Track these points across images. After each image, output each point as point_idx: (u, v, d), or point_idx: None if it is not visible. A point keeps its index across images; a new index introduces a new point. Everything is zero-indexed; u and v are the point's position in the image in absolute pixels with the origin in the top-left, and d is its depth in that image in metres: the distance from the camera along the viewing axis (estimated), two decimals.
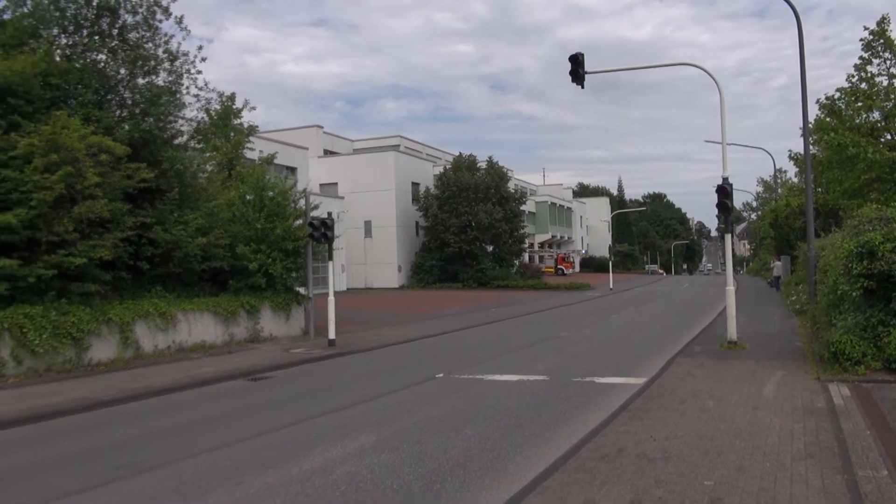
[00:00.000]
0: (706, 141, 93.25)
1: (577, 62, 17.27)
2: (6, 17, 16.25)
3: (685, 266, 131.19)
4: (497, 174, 48.12)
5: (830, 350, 11.60)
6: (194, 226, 16.69)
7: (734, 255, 22.66)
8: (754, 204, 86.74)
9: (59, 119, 13.73)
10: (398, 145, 57.11)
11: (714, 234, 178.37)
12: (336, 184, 46.40)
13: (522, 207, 51.43)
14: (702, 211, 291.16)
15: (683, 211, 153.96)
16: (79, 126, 13.89)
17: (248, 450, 7.77)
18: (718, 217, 16.79)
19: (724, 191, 15.14)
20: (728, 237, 16.33)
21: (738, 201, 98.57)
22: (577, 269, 77.99)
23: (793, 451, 6.98)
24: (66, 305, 13.65)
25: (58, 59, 15.75)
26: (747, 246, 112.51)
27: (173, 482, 6.63)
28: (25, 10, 15.78)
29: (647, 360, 13.92)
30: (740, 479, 6.13)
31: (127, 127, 15.97)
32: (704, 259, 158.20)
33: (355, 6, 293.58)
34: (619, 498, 5.74)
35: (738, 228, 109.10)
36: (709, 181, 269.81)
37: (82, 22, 16.10)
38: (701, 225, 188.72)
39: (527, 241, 57.03)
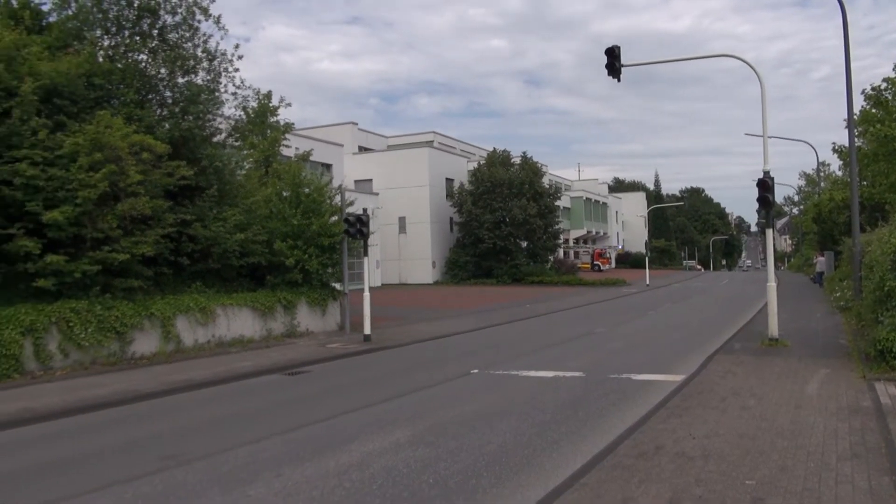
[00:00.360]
0: (746, 134, 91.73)
1: (613, 55, 17.05)
2: (52, 19, 16.72)
3: (724, 262, 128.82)
4: (531, 169, 47.87)
5: (877, 348, 11.27)
6: (233, 222, 16.97)
7: (775, 250, 22.16)
8: (796, 198, 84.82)
9: (103, 118, 14.07)
10: (432, 141, 57.22)
11: (754, 229, 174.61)
12: (371, 180, 46.69)
13: (557, 203, 51.09)
14: (741, 205, 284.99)
15: (722, 206, 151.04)
16: (121, 125, 14.23)
17: (285, 443, 7.88)
18: (759, 212, 16.43)
19: (766, 185, 14.81)
20: (769, 232, 15.98)
21: (779, 195, 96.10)
22: (613, 265, 77.15)
23: (838, 452, 6.81)
24: (110, 300, 14.01)
25: (101, 59, 16.14)
26: (788, 241, 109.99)
27: (214, 474, 6.75)
28: (70, 13, 16.21)
29: (685, 357, 13.71)
30: (783, 479, 6.00)
31: (167, 125, 16.31)
32: (744, 255, 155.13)
33: (390, 3, 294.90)
34: (657, 496, 5.67)
35: (779, 223, 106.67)
36: (748, 175, 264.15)
37: (124, 23, 16.47)
38: (740, 220, 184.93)
39: (561, 236, 56.65)
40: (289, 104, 24.23)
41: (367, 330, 17.65)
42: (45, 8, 16.98)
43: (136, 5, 16.30)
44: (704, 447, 7.06)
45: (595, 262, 68.76)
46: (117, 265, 13.89)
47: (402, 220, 47.21)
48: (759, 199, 15.06)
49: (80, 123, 14.20)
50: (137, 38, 16.65)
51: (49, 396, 10.69)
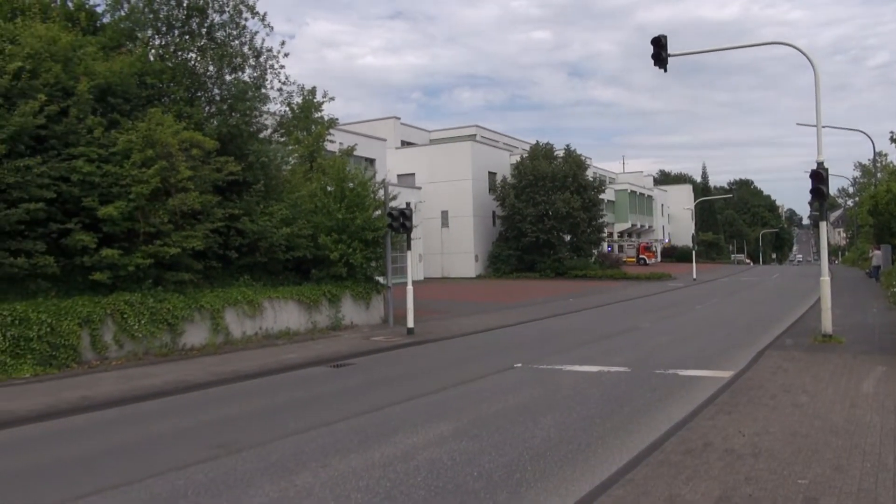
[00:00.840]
0: (798, 124, 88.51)
1: (659, 45, 16.73)
2: (106, 20, 17.24)
3: (774, 255, 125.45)
4: (575, 162, 47.36)
5: None
6: (279, 217, 17.27)
7: (828, 243, 21.48)
8: (851, 190, 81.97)
9: (154, 116, 14.47)
10: (474, 135, 57.08)
11: (806, 222, 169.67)
12: (413, 174, 46.86)
13: (601, 196, 50.45)
14: (792, 198, 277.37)
15: (772, 198, 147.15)
16: (172, 122, 14.60)
17: (331, 434, 8.00)
18: (812, 204, 16.00)
19: (819, 176, 14.38)
20: (823, 225, 15.50)
21: (833, 187, 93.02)
22: (659, 258, 75.88)
23: None
24: (161, 293, 14.42)
25: (152, 59, 16.58)
26: (843, 234, 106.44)
27: (262, 463, 6.91)
28: (123, 14, 16.69)
29: (733, 353, 13.43)
30: (837, 479, 5.84)
31: (215, 122, 16.69)
32: (795, 248, 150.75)
33: None
34: (706, 494, 5.57)
35: (833, 216, 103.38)
36: (800, 166, 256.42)
37: (174, 23, 16.88)
38: (791, 212, 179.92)
39: (605, 230, 55.93)
40: (332, 99, 24.49)
41: (411, 323, 17.76)
42: (99, 9, 17.53)
43: (185, 5, 16.69)
44: (754, 445, 6.91)
45: (641, 256, 67.72)
46: (168, 259, 14.29)
47: (444, 214, 47.28)
48: (812, 191, 14.63)
49: (132, 121, 14.63)
50: (187, 37, 17.04)
51: (105, 385, 11.08)
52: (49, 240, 13.06)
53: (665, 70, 17.05)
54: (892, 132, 28.48)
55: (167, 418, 9.31)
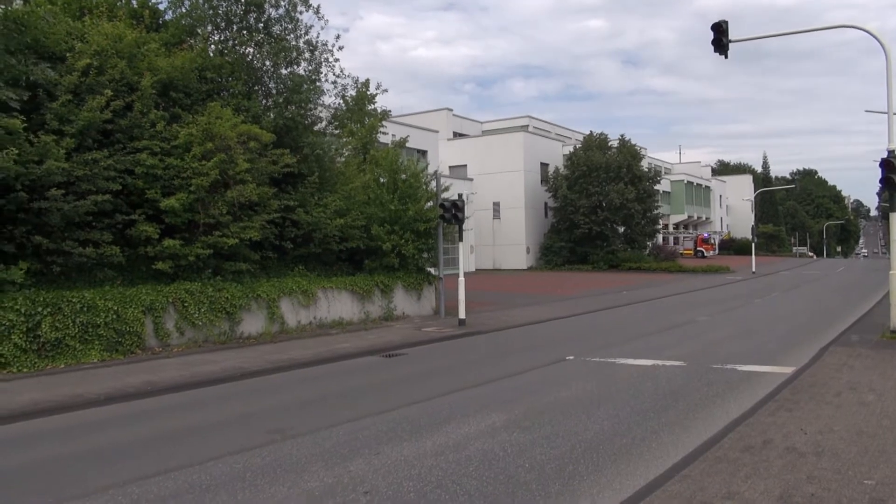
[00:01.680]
0: (867, 111, 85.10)
1: (720, 31, 16.24)
2: (168, 17, 17.76)
3: (839, 249, 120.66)
4: (629, 153, 46.49)
5: None
6: (332, 208, 17.51)
7: None
8: None
9: (214, 110, 14.84)
10: (527, 126, 56.62)
11: (874, 213, 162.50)
12: (465, 165, 46.81)
13: (656, 187, 49.39)
14: (859, 188, 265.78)
15: (838, 188, 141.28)
16: (230, 116, 14.95)
17: (384, 422, 8.09)
18: (881, 194, 15.30)
19: (890, 164, 13.74)
20: (893, 216, 14.81)
21: None
22: (716, 251, 73.92)
23: None
24: (220, 282, 14.83)
25: (212, 54, 17.00)
26: None
27: (317, 449, 7.04)
28: (184, 10, 17.14)
29: (795, 349, 13.00)
30: None
31: (272, 115, 17.01)
32: (862, 241, 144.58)
33: None
34: (765, 492, 5.42)
35: None
36: (868, 155, 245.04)
37: (232, 18, 17.26)
38: (858, 203, 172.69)
39: (661, 221, 54.77)
40: (385, 90, 24.78)
41: (462, 314, 17.79)
42: (161, 7, 18.08)
43: (243, 1, 17.03)
44: (817, 443, 6.68)
45: (699, 249, 66.09)
46: (227, 249, 14.67)
47: (496, 206, 47.11)
48: (882, 181, 13.99)
49: (193, 115, 15.05)
50: (244, 32, 17.40)
51: (168, 371, 11.48)
52: (115, 230, 13.57)
53: (726, 56, 16.54)
54: None
55: (226, 404, 9.59)
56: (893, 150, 13.85)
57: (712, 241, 70.89)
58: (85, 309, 12.25)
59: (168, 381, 10.74)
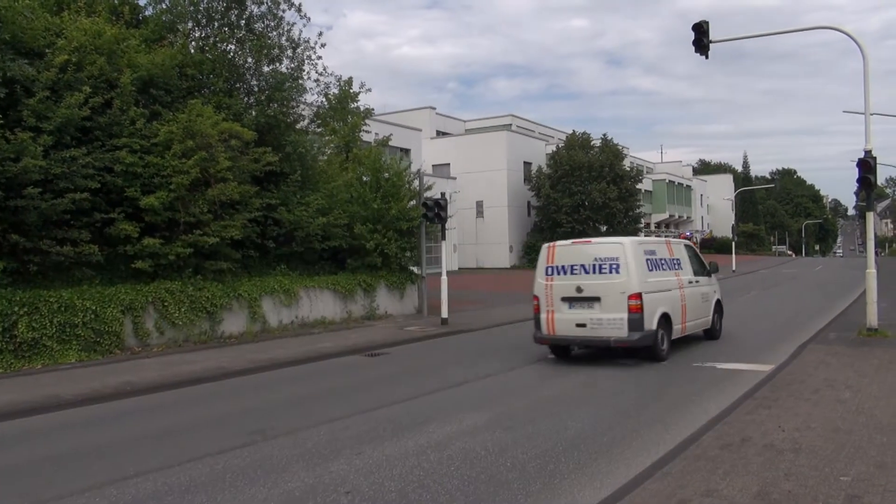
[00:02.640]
0: (845, 112, 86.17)
1: (701, 31, 16.36)
2: (148, 13, 17.57)
3: (817, 247, 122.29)
4: (612, 152, 46.78)
5: None
6: (315, 206, 17.44)
7: (875, 235, 20.84)
8: None
9: (194, 107, 14.71)
10: (510, 125, 56.72)
11: (851, 212, 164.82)
12: (448, 164, 46.84)
13: (638, 186, 49.75)
14: (837, 188, 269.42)
15: (817, 188, 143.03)
16: (211, 113, 14.83)
17: (366, 422, 8.07)
18: (858, 194, 15.55)
19: (867, 165, 13.93)
20: (870, 216, 15.04)
21: (880, 176, 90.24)
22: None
23: None
24: (201, 281, 14.71)
25: (193, 51, 16.86)
26: (890, 225, 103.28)
27: (298, 449, 7.01)
28: (164, 7, 16.98)
29: (774, 346, 13.14)
30: (881, 477, 5.67)
31: (254, 113, 16.90)
32: (840, 240, 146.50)
33: None
34: (743, 489, 5.47)
35: (880, 206, 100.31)
36: (846, 155, 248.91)
37: (213, 15, 17.12)
38: (836, 203, 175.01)
39: (643, 220, 55.18)
40: (369, 90, 24.59)
41: (445, 313, 17.80)
42: (141, 3, 17.88)
43: None
44: (795, 440, 6.76)
45: None
46: (208, 248, 14.56)
47: (479, 204, 47.18)
48: (859, 181, 14.19)
49: (173, 112, 14.90)
50: (226, 28, 17.27)
51: (147, 371, 11.36)
52: (93, 229, 13.41)
53: (707, 57, 16.66)
54: None
55: (206, 404, 9.52)
56: (870, 151, 14.05)
57: (695, 240, 71.59)
58: (62, 309, 12.09)
59: (147, 381, 10.64)
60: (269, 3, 17.57)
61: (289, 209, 16.99)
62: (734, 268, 45.37)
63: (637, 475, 5.99)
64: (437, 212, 18.03)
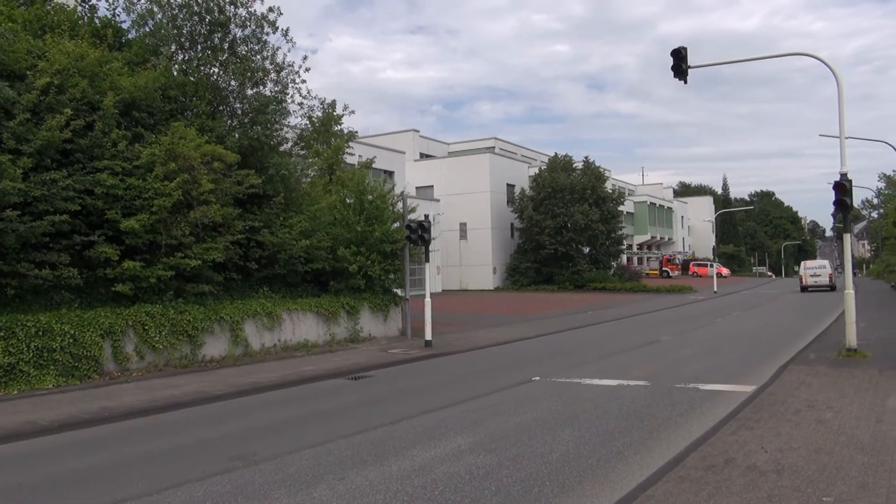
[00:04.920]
0: (821, 135, 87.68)
1: (679, 57, 16.67)
2: (131, 36, 17.56)
3: (796, 268, 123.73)
4: (594, 174, 47.22)
5: None
6: (298, 229, 17.39)
7: (853, 256, 21.14)
8: (875, 201, 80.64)
9: (177, 130, 14.68)
10: (493, 147, 57.19)
11: (829, 233, 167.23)
12: (432, 186, 47.00)
13: (620, 208, 50.20)
14: (815, 209, 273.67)
15: (795, 209, 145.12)
16: (194, 136, 14.80)
17: (349, 446, 7.99)
18: (835, 215, 15.80)
19: (843, 187, 14.19)
20: (846, 237, 15.27)
21: (856, 198, 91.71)
22: (680, 271, 75.32)
23: None
24: (182, 304, 14.56)
25: (176, 73, 16.85)
26: (867, 246, 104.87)
27: (280, 475, 6.92)
28: (148, 30, 16.98)
29: (756, 367, 13.24)
30: (863, 498, 5.71)
31: (237, 135, 16.89)
32: (804, 263, 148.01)
33: (453, 12, 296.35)
34: None
35: (857, 228, 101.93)
36: (823, 178, 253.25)
37: (197, 38, 17.15)
38: (814, 224, 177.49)
39: (625, 242, 55.62)
40: (352, 112, 24.80)
41: (429, 336, 17.75)
42: (125, 26, 17.86)
43: (207, 21, 16.96)
44: (777, 461, 6.79)
45: (664, 269, 67.32)
46: (189, 271, 14.43)
47: (462, 227, 47.31)
48: (835, 203, 14.43)
49: (156, 135, 14.85)
50: (209, 52, 17.30)
51: (126, 396, 11.18)
52: (73, 252, 13.26)
53: (685, 82, 16.96)
54: None
55: (187, 430, 9.37)
56: (846, 174, 14.32)
57: (677, 262, 72.27)
58: (40, 333, 11.91)
59: (126, 406, 10.47)
60: (254, 27, 17.64)
61: (272, 231, 16.93)
62: (716, 289, 45.75)
63: (621, 498, 5.99)
64: (420, 234, 18.05)
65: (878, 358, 13.66)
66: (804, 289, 44.18)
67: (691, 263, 68.64)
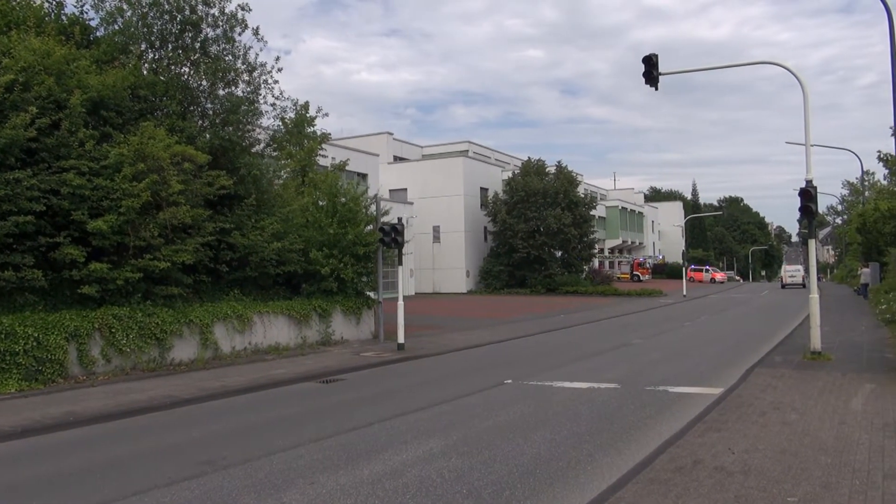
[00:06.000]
0: (787, 143, 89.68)
1: (650, 63, 16.91)
2: (100, 34, 17.25)
3: (763, 272, 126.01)
4: (566, 179, 47.62)
5: None
6: (270, 231, 17.22)
7: (817, 261, 21.62)
8: (839, 208, 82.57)
9: (146, 130, 14.44)
10: (467, 151, 57.34)
11: (795, 239, 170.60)
12: (405, 189, 46.96)
13: (592, 212, 50.69)
14: (782, 215, 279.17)
15: (762, 215, 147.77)
16: (164, 136, 14.58)
17: (320, 450, 7.94)
18: (801, 221, 16.13)
19: (808, 194, 14.50)
20: (811, 243, 15.61)
21: (821, 205, 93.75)
22: (651, 275, 76.27)
23: (884, 469, 6.59)
24: (150, 307, 14.33)
25: (145, 72, 16.58)
26: (831, 252, 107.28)
27: (250, 480, 6.84)
28: (117, 28, 16.70)
29: (723, 370, 13.46)
30: (827, 497, 5.84)
31: (208, 136, 16.67)
32: (784, 265, 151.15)
33: (428, 16, 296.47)
34: None
35: (822, 233, 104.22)
36: (789, 184, 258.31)
37: (167, 37, 16.90)
38: (781, 230, 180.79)
39: (596, 246, 56.17)
40: (326, 115, 24.55)
41: (401, 339, 17.71)
42: (93, 23, 17.53)
43: (178, 19, 16.73)
44: (744, 462, 6.91)
45: (635, 273, 68.12)
46: (158, 273, 14.20)
47: (436, 230, 47.34)
48: (801, 209, 14.75)
49: (124, 135, 14.59)
50: (180, 51, 17.06)
51: (92, 401, 10.96)
52: (37, 253, 12.96)
53: (656, 88, 17.23)
54: (879, 151, 28.78)
55: (154, 434, 9.22)
56: (811, 181, 14.64)
57: (648, 266, 73.13)
58: (2, 336, 11.62)
59: (92, 411, 10.26)
60: (225, 27, 17.44)
61: (243, 233, 16.74)
62: (685, 293, 46.39)
63: (591, 500, 6.04)
64: (393, 237, 18.02)
65: (841, 361, 13.98)
66: (784, 286, 59.05)
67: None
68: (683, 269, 52.03)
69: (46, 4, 17.22)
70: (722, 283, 72.76)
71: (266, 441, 8.53)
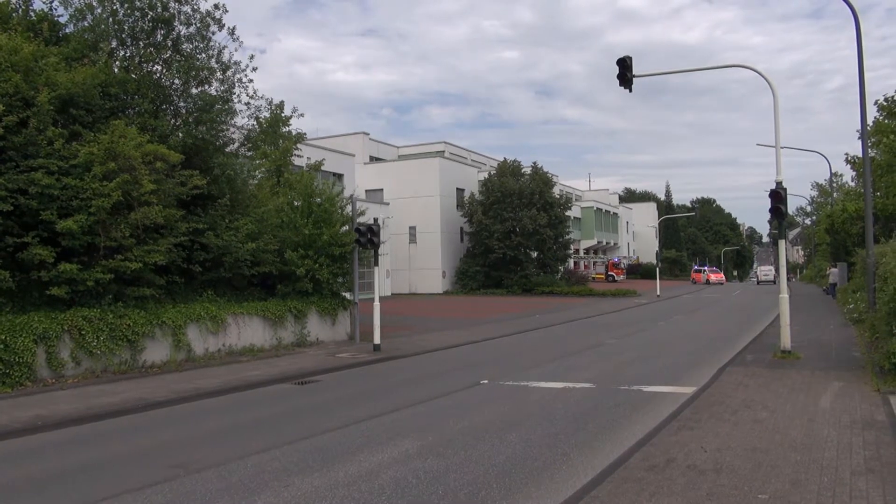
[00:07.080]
0: (758, 144, 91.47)
1: (624, 66, 17.07)
2: (69, 30, 16.93)
3: (735, 273, 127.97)
4: (542, 180, 47.85)
5: (891, 361, 11.16)
6: (244, 231, 17.05)
7: (787, 261, 21.99)
8: (808, 209, 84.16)
9: (117, 128, 14.20)
10: (443, 151, 57.36)
11: (766, 239, 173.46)
12: (381, 190, 46.84)
13: (567, 213, 50.99)
14: (753, 216, 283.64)
15: (734, 216, 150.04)
16: (135, 135, 14.35)
17: (295, 452, 7.88)
18: (771, 222, 16.39)
19: (778, 195, 14.74)
20: (782, 243, 15.87)
21: (791, 206, 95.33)
22: (625, 275, 76.99)
23: (852, 466, 6.73)
24: (122, 308, 14.10)
25: (116, 70, 16.31)
26: (801, 252, 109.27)
27: (223, 483, 6.76)
28: (86, 24, 16.40)
29: (696, 369, 13.63)
30: (796, 494, 5.94)
31: (181, 135, 16.45)
32: (756, 266, 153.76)
33: (404, 16, 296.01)
34: None
35: (792, 234, 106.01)
36: (760, 186, 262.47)
37: (139, 34, 16.65)
38: (752, 230, 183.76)
39: (572, 246, 56.52)
40: (301, 114, 24.36)
41: (377, 340, 17.65)
42: (62, 20, 17.20)
43: (150, 17, 16.48)
44: (716, 460, 7.00)
45: (609, 273, 68.70)
46: (130, 274, 13.98)
47: (412, 230, 47.28)
48: (771, 210, 14.98)
49: (95, 133, 14.34)
50: (152, 49, 16.82)
51: (61, 404, 10.75)
52: (4, 254, 12.70)
53: (630, 90, 17.39)
54: (846, 154, 29.44)
55: (125, 438, 9.07)
56: (781, 182, 14.88)
57: (622, 266, 73.78)
58: None
59: (61, 414, 10.06)
60: (198, 25, 17.21)
61: (217, 234, 16.55)
62: (658, 293, 46.90)
63: (566, 499, 6.08)
64: (369, 237, 17.95)
65: (810, 359, 14.24)
66: (759, 282, 73.74)
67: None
68: (657, 269, 52.55)
69: (13, 0, 16.87)
70: (721, 284, 72.53)
71: (240, 443, 8.44)
